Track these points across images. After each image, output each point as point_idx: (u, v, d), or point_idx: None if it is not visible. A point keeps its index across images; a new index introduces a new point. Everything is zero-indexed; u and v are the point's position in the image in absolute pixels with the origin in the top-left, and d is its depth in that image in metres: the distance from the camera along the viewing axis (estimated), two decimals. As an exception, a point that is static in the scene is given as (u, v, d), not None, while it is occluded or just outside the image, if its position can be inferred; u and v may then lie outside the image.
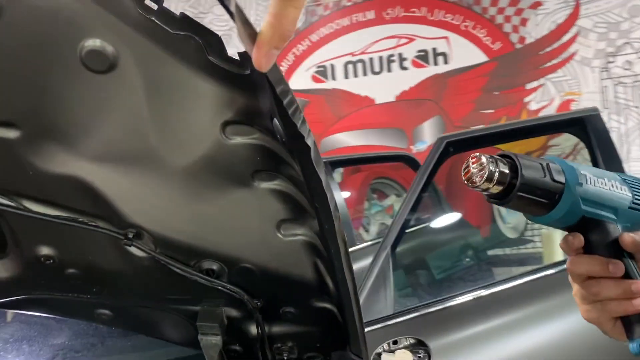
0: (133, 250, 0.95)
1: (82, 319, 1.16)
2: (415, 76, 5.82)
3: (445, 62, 5.77)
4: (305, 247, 0.92)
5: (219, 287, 0.98)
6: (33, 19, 0.70)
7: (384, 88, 5.88)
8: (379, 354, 1.57)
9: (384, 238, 1.75)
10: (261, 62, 0.48)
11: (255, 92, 0.76)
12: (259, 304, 1.01)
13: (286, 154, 0.80)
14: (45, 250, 1.00)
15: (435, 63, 5.79)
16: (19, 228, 0.98)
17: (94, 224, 0.94)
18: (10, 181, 0.90)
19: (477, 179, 0.60)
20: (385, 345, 1.59)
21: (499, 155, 0.63)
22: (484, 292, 1.75)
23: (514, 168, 0.61)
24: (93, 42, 0.72)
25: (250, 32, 0.49)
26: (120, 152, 0.85)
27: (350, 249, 2.70)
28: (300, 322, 1.05)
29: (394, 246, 1.73)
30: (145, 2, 0.70)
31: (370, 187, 5.46)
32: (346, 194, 4.85)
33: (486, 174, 0.60)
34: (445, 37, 5.72)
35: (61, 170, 0.87)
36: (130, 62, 0.74)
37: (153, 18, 0.70)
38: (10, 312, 1.45)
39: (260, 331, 1.04)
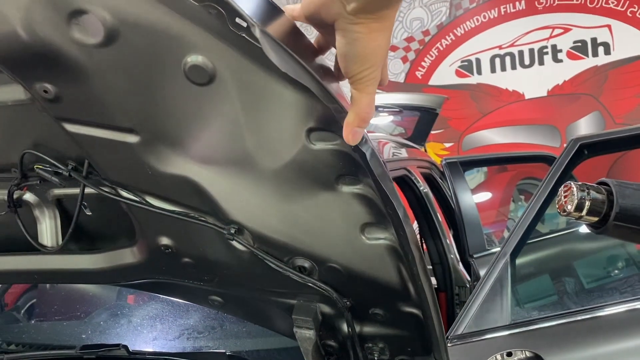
0: (235, 244, 1.04)
1: (197, 303, 1.29)
2: (570, 69, 5.39)
3: (607, 52, 5.26)
4: (389, 251, 0.93)
5: (310, 284, 1.03)
6: (144, 39, 0.80)
7: (534, 82, 5.53)
8: (491, 364, 1.51)
9: (503, 244, 1.67)
10: (349, 138, 0.65)
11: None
12: (348, 303, 1.04)
13: (360, 160, 0.82)
14: (165, 241, 1.13)
15: (595, 54, 5.30)
16: (144, 220, 1.12)
17: (203, 219, 1.05)
18: (134, 180, 1.04)
19: (568, 207, 0.59)
20: (498, 356, 1.53)
21: (598, 183, 0.61)
22: (617, 309, 1.59)
23: (611, 196, 0.59)
24: (195, 58, 0.80)
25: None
26: (221, 156, 0.94)
27: (481, 254, 2.59)
28: (389, 325, 1.06)
29: (513, 254, 1.65)
30: (236, 20, 0.77)
31: (517, 188, 5.17)
32: (487, 195, 4.65)
33: (575, 203, 0.59)
34: (608, 25, 5.21)
35: (173, 171, 0.98)
36: (227, 75, 0.81)
37: (243, 34, 0.76)
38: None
39: (350, 329, 1.07)
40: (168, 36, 0.78)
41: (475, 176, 6.21)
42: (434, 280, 2.73)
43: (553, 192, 1.80)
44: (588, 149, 1.72)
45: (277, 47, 0.72)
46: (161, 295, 1.59)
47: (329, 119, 0.81)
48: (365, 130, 0.83)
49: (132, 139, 0.95)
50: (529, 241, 3.22)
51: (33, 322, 2.04)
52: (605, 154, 1.77)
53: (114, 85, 0.86)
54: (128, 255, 1.21)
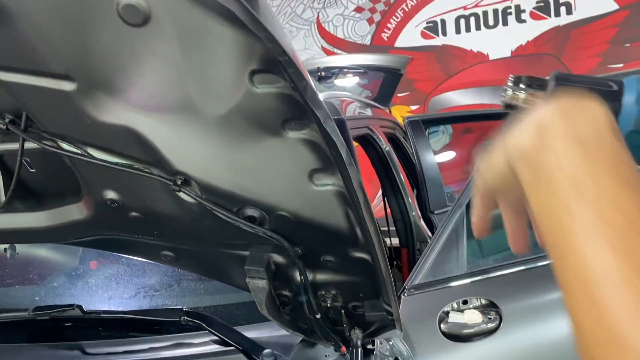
0: (182, 196, 1.02)
1: (150, 259, 1.28)
2: (533, 29, 5.42)
3: (569, 12, 5.30)
4: (337, 197, 0.93)
5: (260, 234, 1.03)
6: None
7: (498, 43, 5.55)
8: (447, 313, 1.54)
9: (458, 197, 1.69)
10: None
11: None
12: (299, 251, 1.04)
13: (305, 103, 0.80)
14: (110, 195, 1.10)
15: (557, 14, 5.34)
16: (87, 174, 1.09)
17: (147, 170, 1.02)
18: (75, 131, 1.00)
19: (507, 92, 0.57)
20: (454, 304, 1.56)
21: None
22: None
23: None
24: None
25: None
26: (162, 102, 0.91)
27: (441, 210, 2.62)
28: (341, 271, 1.07)
29: (469, 206, 1.66)
30: None
31: (482, 149, 5.22)
32: (451, 155, 4.70)
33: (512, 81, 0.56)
34: (569, -15, 5.24)
35: (113, 120, 0.95)
36: (163, 15, 0.78)
37: None
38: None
39: (302, 277, 1.07)
40: None
41: (440, 138, 6.26)
42: (395, 240, 2.77)
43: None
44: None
45: None
46: (116, 255, 1.57)
47: (271, 60, 0.79)
48: (307, 73, 0.81)
49: (68, 86, 0.91)
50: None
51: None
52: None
53: (43, 27, 0.82)
54: (74, 212, 1.18)
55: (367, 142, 2.59)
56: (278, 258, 1.10)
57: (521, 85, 0.56)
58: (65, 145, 1.03)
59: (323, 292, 1.12)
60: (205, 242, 1.15)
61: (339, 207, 0.94)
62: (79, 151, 1.03)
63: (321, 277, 1.10)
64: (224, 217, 1.02)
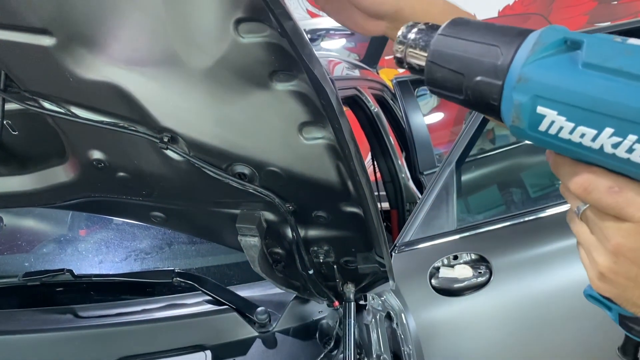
0: (170, 154, 1.00)
1: (140, 221, 1.26)
2: (520, -12, 5.35)
3: (556, -31, 5.23)
4: (327, 150, 0.91)
5: (251, 190, 1.01)
6: None
7: (485, 3, 5.48)
8: (438, 268, 1.55)
9: (447, 155, 1.69)
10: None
11: None
12: (290, 207, 1.03)
13: (293, 48, 0.78)
14: (97, 155, 1.08)
15: (545, -28, 5.27)
16: (72, 134, 1.06)
17: (133, 128, 1.00)
18: (56, 90, 0.97)
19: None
20: (444, 260, 1.58)
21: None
22: (559, 209, 1.64)
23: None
24: None
25: None
26: (145, 56, 0.88)
27: (430, 170, 2.62)
28: (333, 227, 1.06)
29: (458, 162, 1.66)
30: None
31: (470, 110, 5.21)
32: (440, 116, 4.69)
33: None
34: (557, -59, 5.17)
35: (95, 77, 0.92)
36: None
37: None
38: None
39: (294, 234, 1.07)
40: None
41: (429, 101, 6.23)
42: (386, 205, 2.77)
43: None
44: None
45: None
46: (106, 219, 1.55)
47: (256, 6, 0.76)
48: (298, 22, 0.79)
49: (47, 41, 0.88)
50: (479, 156, 3.29)
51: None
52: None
53: None
54: (60, 174, 1.15)
55: (356, 103, 2.57)
56: (269, 215, 1.09)
57: (409, 37, 0.49)
58: (47, 105, 1.00)
59: (315, 248, 1.11)
60: (195, 201, 1.13)
61: (330, 161, 0.93)
62: (62, 110, 1.00)
63: (313, 233, 1.09)
64: (213, 174, 1.00)
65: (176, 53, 0.86)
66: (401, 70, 5.83)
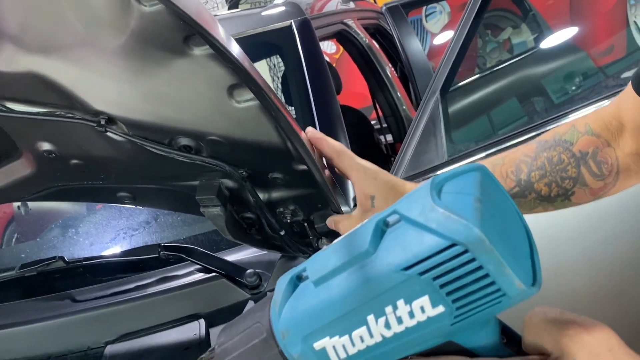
0: (111, 135, 0.97)
1: (110, 202, 1.25)
2: None
3: None
4: (262, 111, 0.86)
5: (199, 162, 0.98)
6: None
7: None
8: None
9: (431, 81, 1.59)
10: None
11: None
12: (244, 173, 1.00)
13: (184, 15, 0.72)
14: (45, 146, 1.06)
15: None
16: (15, 129, 1.04)
17: (70, 115, 0.97)
18: None
19: None
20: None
21: None
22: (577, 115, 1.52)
23: None
24: None
25: None
26: (54, 40, 0.85)
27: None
28: (291, 186, 1.02)
29: (443, 90, 1.57)
30: None
31: (482, 23, 4.94)
32: (449, 34, 4.48)
33: None
34: None
35: (17, 68, 0.90)
36: None
37: None
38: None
39: (254, 198, 1.03)
40: None
41: (439, 18, 5.95)
42: (390, 137, 2.70)
43: (479, 16, 1.69)
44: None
45: None
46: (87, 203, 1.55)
47: None
48: None
49: None
50: (487, 72, 3.12)
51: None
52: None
53: None
54: (19, 169, 1.14)
55: (344, 38, 2.46)
56: (229, 183, 1.05)
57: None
58: None
59: (282, 209, 1.08)
60: (153, 178, 1.11)
61: (268, 122, 0.88)
62: (-4, 107, 0.97)
63: (275, 194, 1.06)
64: (157, 151, 0.97)
65: (84, 33, 0.81)
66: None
